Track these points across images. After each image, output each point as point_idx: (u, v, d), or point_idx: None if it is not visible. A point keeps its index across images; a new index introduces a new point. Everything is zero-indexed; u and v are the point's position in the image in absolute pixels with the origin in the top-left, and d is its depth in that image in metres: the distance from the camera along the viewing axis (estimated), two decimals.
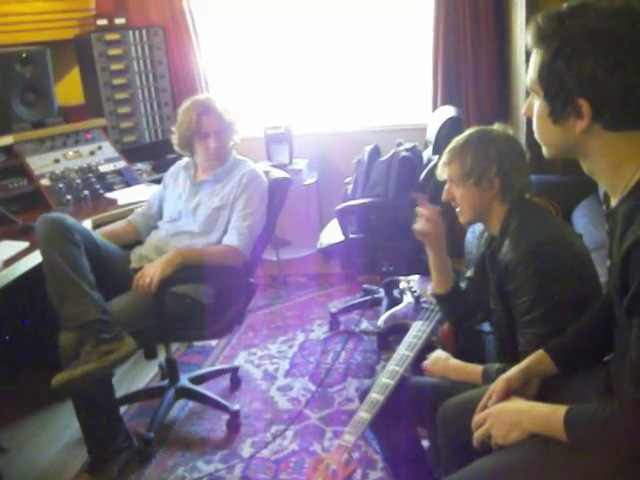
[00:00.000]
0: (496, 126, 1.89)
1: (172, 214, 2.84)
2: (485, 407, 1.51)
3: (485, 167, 1.79)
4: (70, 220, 2.50)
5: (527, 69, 1.30)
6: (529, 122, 1.37)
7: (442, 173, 1.91)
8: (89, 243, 2.51)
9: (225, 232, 2.71)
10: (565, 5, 1.21)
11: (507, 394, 1.50)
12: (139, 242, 2.86)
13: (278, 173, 2.93)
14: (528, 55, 1.29)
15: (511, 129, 1.90)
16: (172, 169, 2.98)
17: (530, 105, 1.32)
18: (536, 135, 1.34)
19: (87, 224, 3.01)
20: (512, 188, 1.80)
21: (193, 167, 2.88)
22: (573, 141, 1.26)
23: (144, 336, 2.44)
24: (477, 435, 1.45)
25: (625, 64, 1.16)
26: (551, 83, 1.23)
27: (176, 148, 2.88)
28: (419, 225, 2.00)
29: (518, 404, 1.45)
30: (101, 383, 2.39)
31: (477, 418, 1.48)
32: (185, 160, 2.94)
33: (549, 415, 1.33)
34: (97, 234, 2.68)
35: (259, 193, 2.75)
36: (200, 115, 2.73)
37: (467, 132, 1.89)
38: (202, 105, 2.76)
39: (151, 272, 2.46)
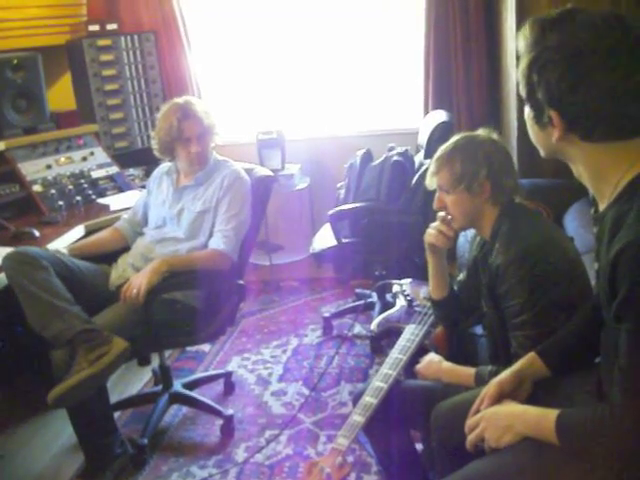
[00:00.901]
0: (480, 131, 1.90)
1: (157, 221, 2.82)
2: (478, 410, 1.51)
3: (475, 171, 1.79)
4: (32, 249, 2.50)
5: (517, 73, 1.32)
6: (521, 126, 1.38)
7: (431, 183, 1.91)
8: (58, 266, 2.49)
9: (211, 236, 2.69)
10: (555, 11, 1.22)
11: (500, 397, 1.51)
12: (126, 249, 2.84)
13: (262, 171, 2.91)
14: (519, 59, 1.31)
15: (495, 134, 1.90)
16: (154, 174, 2.95)
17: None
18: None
19: (79, 230, 3.01)
20: (502, 190, 1.81)
21: (175, 172, 2.85)
22: (555, 147, 1.28)
23: (136, 346, 2.41)
24: (470, 438, 1.46)
25: (588, 81, 1.17)
26: (528, 92, 1.26)
27: (156, 153, 2.83)
28: (432, 238, 1.98)
29: (511, 407, 1.46)
30: (95, 390, 2.37)
31: (470, 421, 1.49)
32: (167, 165, 2.89)
33: (541, 419, 1.33)
34: (66, 256, 2.64)
35: (241, 194, 2.73)
36: (180, 120, 2.68)
37: (453, 139, 1.89)
38: (181, 110, 2.71)
39: (137, 283, 2.43)
